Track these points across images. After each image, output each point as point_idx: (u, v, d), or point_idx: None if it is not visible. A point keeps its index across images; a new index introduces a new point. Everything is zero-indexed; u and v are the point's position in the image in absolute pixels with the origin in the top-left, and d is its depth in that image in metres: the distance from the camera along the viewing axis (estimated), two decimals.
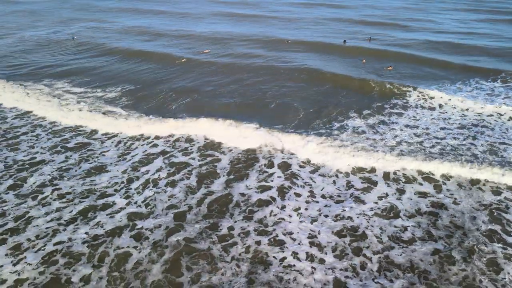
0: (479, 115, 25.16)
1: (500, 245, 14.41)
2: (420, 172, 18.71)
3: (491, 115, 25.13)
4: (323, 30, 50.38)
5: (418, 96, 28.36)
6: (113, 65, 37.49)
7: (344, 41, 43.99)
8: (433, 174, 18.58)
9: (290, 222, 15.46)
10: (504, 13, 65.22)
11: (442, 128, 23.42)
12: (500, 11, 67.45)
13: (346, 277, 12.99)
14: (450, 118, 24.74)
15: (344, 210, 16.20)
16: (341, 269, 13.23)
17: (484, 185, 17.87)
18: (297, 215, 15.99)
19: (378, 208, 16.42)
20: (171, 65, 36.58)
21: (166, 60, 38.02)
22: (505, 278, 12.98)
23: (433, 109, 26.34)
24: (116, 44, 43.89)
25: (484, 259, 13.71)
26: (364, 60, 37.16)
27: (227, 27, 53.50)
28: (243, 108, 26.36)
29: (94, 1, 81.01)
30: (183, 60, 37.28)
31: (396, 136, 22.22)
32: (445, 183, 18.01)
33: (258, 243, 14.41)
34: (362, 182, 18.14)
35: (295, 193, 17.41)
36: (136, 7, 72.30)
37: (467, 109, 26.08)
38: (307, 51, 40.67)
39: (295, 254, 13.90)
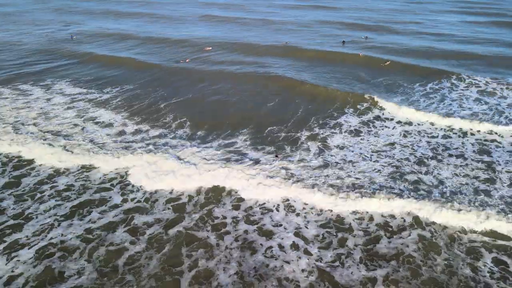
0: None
1: None
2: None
3: None
4: (316, 34, 51.16)
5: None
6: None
7: (343, 41, 46.00)
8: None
9: None
10: (496, 15, 67.26)
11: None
12: (493, 13, 69.50)
13: None
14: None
15: None
16: None
17: None
18: None
19: None
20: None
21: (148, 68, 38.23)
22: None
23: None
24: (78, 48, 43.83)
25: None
26: (361, 54, 39.53)
27: (213, 31, 53.98)
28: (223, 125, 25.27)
29: (70, 2, 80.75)
30: (187, 61, 38.56)
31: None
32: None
33: None
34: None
35: None
36: (117, 10, 72.25)
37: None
38: (295, 58, 40.51)
39: None
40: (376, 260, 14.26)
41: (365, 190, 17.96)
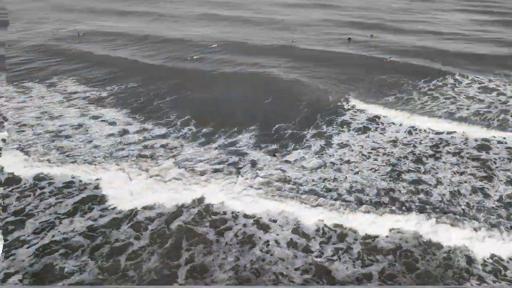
0: None
1: None
2: None
3: None
4: (321, 33, 51.44)
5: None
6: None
7: (349, 38, 46.83)
8: None
9: None
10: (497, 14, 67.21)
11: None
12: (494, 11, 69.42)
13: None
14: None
15: None
16: None
17: None
18: None
19: None
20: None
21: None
22: None
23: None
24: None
25: None
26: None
27: (215, 30, 54.32)
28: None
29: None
30: (194, 57, 39.56)
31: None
32: None
33: None
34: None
35: None
36: (119, 8, 72.64)
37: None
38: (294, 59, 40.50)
39: None
40: (374, 255, 14.73)
41: (365, 197, 18.10)
